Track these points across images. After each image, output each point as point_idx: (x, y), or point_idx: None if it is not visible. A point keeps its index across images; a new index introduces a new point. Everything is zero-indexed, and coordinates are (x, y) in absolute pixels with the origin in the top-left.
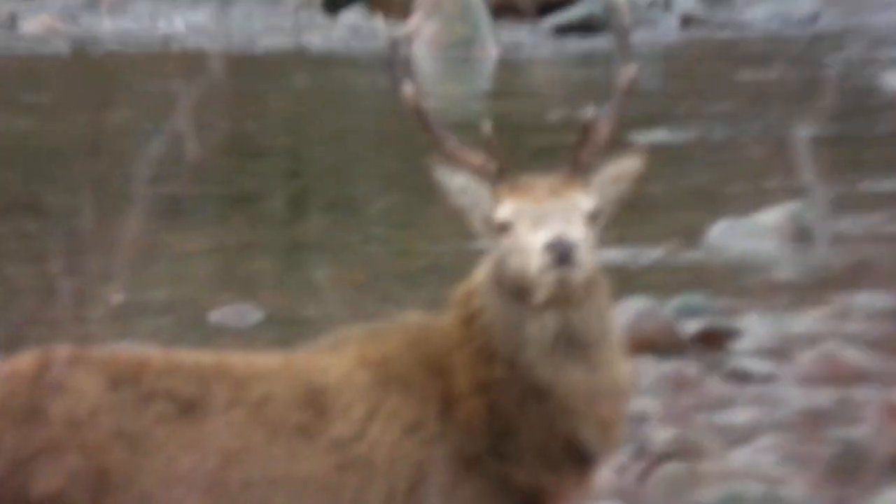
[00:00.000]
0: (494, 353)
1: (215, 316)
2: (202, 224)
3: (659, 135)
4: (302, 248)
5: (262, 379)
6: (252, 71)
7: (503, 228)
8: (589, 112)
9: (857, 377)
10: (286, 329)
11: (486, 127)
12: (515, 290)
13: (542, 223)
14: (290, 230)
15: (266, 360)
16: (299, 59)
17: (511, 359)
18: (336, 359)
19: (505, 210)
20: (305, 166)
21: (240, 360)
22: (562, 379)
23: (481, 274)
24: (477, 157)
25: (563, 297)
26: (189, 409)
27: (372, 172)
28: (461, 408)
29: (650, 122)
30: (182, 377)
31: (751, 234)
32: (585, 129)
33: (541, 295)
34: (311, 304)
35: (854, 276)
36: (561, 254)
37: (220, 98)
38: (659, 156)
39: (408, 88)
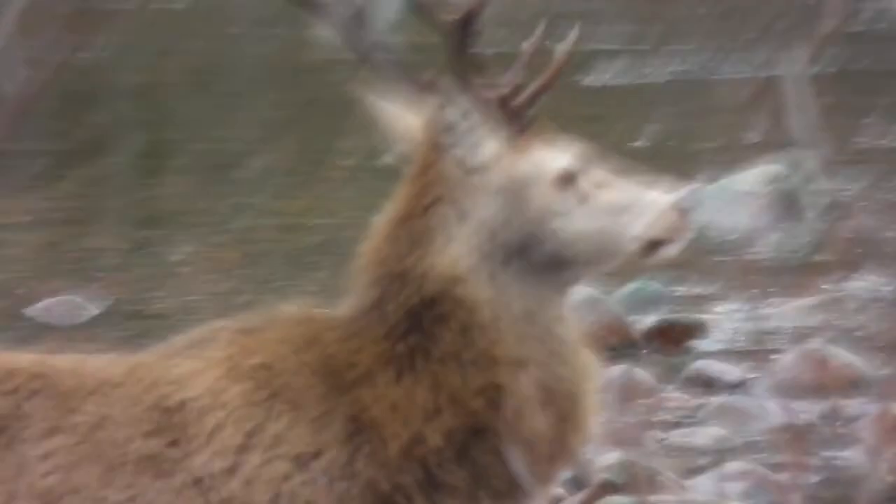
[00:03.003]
0: (497, 355)
1: (38, 308)
2: (22, 189)
3: (614, 71)
4: (155, 219)
5: (95, 394)
6: None
7: (563, 181)
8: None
9: (849, 384)
10: (132, 325)
11: (533, 40)
12: (557, 261)
13: (627, 184)
14: (139, 196)
15: (103, 367)
16: None
17: (521, 359)
18: (198, 365)
19: (562, 159)
20: (160, 112)
21: (67, 367)
22: (586, 373)
23: (460, 251)
24: (494, 91)
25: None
26: None
27: (247, 122)
28: (385, 430)
29: (604, 54)
30: None
31: (722, 201)
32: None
33: (640, 258)
34: (167, 292)
35: (850, 256)
36: (691, 215)
37: (47, 17)
38: (612, 99)
39: None
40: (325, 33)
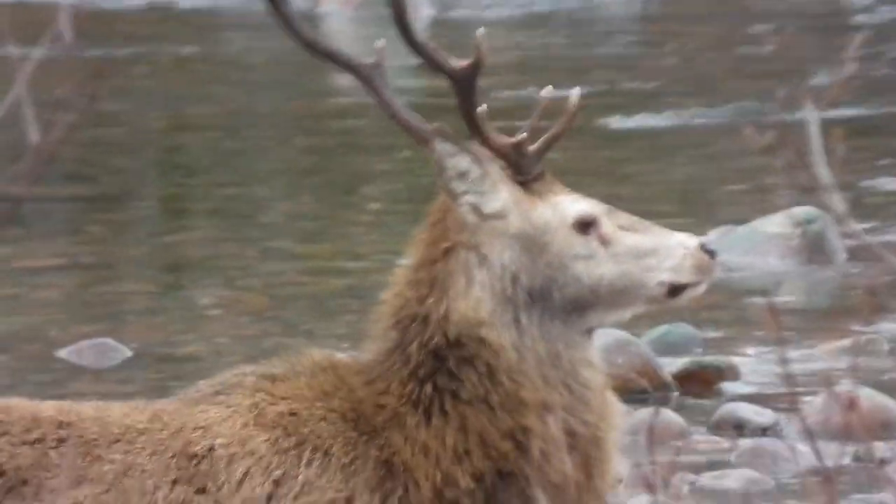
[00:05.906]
0: (524, 398)
1: (70, 351)
2: (50, 234)
3: (636, 120)
4: (181, 265)
5: (119, 442)
6: (111, 33)
7: (583, 225)
8: (546, 93)
9: (880, 427)
10: (163, 368)
11: (545, 93)
12: (580, 304)
13: (651, 228)
14: (165, 242)
15: (126, 414)
16: (172, 17)
17: (548, 402)
18: (224, 411)
19: (582, 204)
20: (184, 159)
21: (91, 414)
22: (610, 418)
23: (482, 295)
24: (508, 139)
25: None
26: (17, 486)
27: (271, 167)
28: (416, 472)
29: (625, 104)
30: (9, 441)
31: (749, 247)
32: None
33: (663, 298)
34: (196, 335)
35: (878, 300)
36: (716, 257)
37: (71, 68)
38: (636, 147)
39: (480, 33)
40: (347, 81)
